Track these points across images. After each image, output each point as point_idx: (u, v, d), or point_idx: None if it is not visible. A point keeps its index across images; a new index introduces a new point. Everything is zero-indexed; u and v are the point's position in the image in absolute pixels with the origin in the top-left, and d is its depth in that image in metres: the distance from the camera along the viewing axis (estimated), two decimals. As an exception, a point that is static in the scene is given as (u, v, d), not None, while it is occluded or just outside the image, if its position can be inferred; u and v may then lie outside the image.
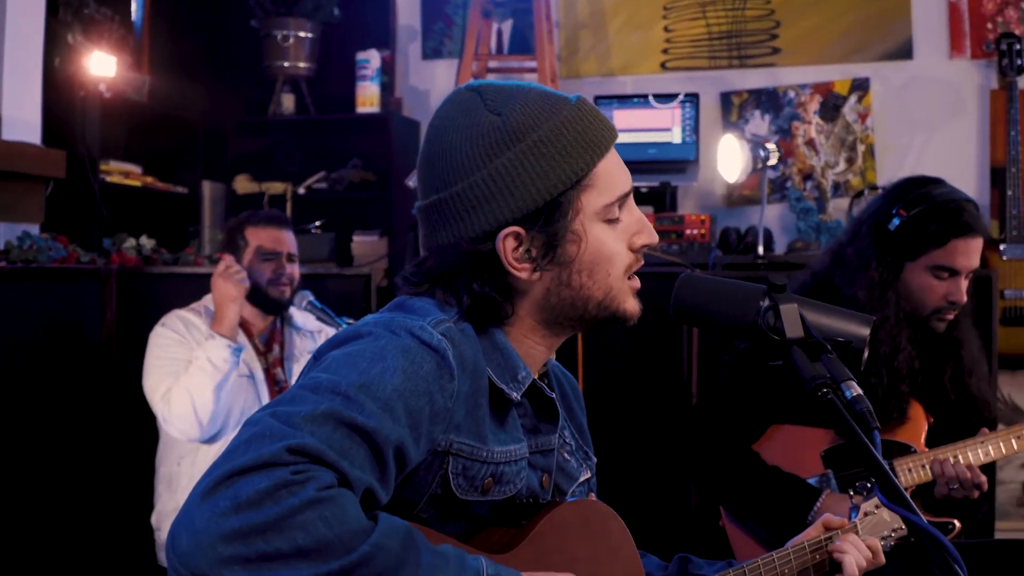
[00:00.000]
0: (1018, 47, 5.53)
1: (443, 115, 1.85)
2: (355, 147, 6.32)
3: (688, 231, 5.36)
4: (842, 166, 5.95)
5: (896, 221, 3.25)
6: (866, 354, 1.74)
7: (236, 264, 4.11)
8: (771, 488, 3.23)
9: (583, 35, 6.34)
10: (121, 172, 5.51)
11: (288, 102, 6.32)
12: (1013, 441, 3.23)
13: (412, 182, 4.51)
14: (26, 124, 4.91)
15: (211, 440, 4.05)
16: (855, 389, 1.61)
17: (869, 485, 3.12)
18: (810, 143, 5.98)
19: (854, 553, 2.12)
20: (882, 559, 2.17)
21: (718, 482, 3.31)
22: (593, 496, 2.01)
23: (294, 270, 4.25)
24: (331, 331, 4.22)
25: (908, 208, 3.24)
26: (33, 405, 4.53)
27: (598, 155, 1.80)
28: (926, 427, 3.31)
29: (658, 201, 5.75)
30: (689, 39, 6.20)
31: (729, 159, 5.52)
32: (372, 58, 6.23)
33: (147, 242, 5.17)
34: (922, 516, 1.46)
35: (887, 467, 1.53)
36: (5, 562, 4.43)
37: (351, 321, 3.87)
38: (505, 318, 1.83)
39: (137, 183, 5.62)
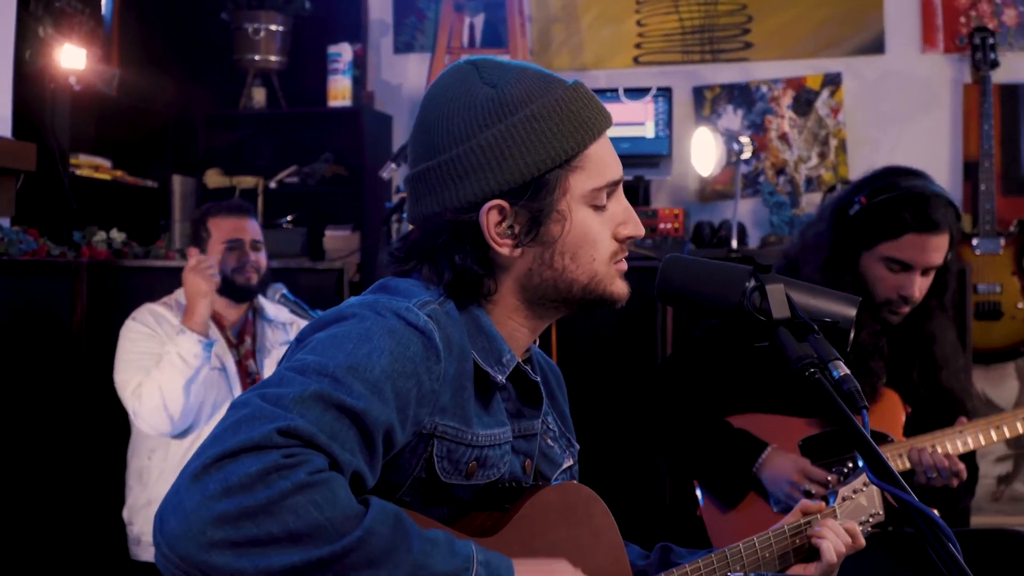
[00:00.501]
0: (991, 41, 5.55)
1: (439, 85, 1.84)
2: (327, 141, 6.29)
3: (662, 225, 5.36)
4: (815, 160, 5.96)
5: (856, 207, 3.24)
6: (852, 334, 1.73)
7: (206, 259, 4.10)
8: (717, 439, 3.24)
9: (555, 29, 6.33)
10: (91, 166, 5.47)
11: (259, 96, 6.29)
12: (992, 431, 3.24)
13: (386, 173, 4.50)
14: (-3, 117, 4.87)
15: (182, 434, 4.04)
16: (842, 369, 1.60)
17: (846, 470, 3.12)
18: (783, 137, 5.99)
19: (832, 539, 2.13)
20: (862, 542, 2.17)
21: (674, 442, 3.32)
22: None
23: (259, 258, 4.24)
24: (304, 323, 4.20)
25: (871, 196, 3.22)
26: (3, 398, 4.49)
27: (590, 137, 1.80)
28: (904, 417, 3.31)
29: (631, 195, 5.72)
30: (662, 33, 6.20)
31: (703, 152, 5.52)
32: (344, 52, 6.20)
33: (118, 235, 5.14)
34: (912, 494, 1.45)
35: (876, 446, 1.52)
36: (-25, 558, 4.40)
37: (326, 313, 3.85)
38: (488, 295, 1.82)
39: (107, 176, 5.58)
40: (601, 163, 1.82)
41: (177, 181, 6.16)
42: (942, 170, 5.64)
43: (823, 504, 2.22)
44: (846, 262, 3.24)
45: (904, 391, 3.34)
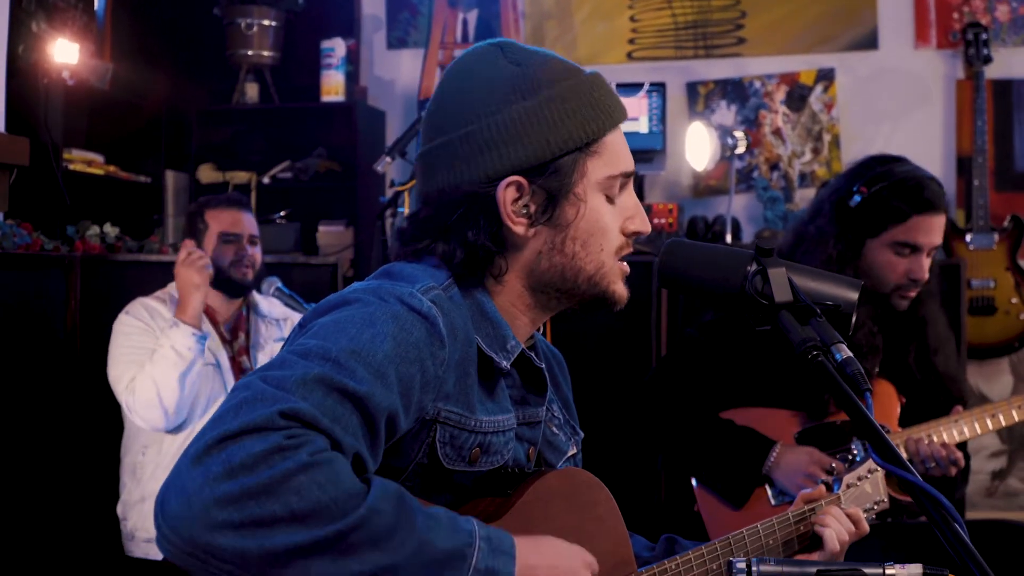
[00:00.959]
0: (984, 37, 5.55)
1: (462, 62, 1.86)
2: (320, 136, 6.27)
3: (656, 220, 5.35)
4: (808, 156, 5.96)
5: (857, 198, 3.28)
6: (855, 318, 1.73)
7: (199, 251, 4.08)
8: (723, 439, 3.25)
9: (549, 25, 6.32)
10: (84, 160, 5.46)
11: (252, 91, 6.27)
12: (988, 419, 3.25)
13: (380, 167, 4.48)
14: (-10, 112, 4.86)
15: (176, 429, 4.02)
16: (845, 352, 1.61)
17: (850, 457, 3.13)
18: (777, 132, 5.99)
19: (835, 526, 2.13)
20: (866, 528, 2.18)
21: (674, 441, 3.32)
22: (579, 469, 2.00)
23: (255, 253, 4.23)
24: (299, 317, 4.20)
25: (869, 185, 3.27)
26: (-4, 393, 4.48)
27: (610, 124, 1.82)
28: (899, 407, 3.32)
29: (625, 191, 5.73)
30: (655, 29, 6.20)
31: (697, 147, 5.52)
32: (337, 47, 6.18)
33: (111, 230, 5.14)
34: (917, 475, 1.45)
35: (880, 427, 1.52)
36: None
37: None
38: (498, 276, 1.81)
39: (100, 171, 5.56)
40: (617, 152, 1.84)
41: (170, 176, 6.14)
42: (935, 165, 5.64)
43: (823, 488, 2.22)
44: (850, 254, 3.27)
45: (899, 379, 3.36)
